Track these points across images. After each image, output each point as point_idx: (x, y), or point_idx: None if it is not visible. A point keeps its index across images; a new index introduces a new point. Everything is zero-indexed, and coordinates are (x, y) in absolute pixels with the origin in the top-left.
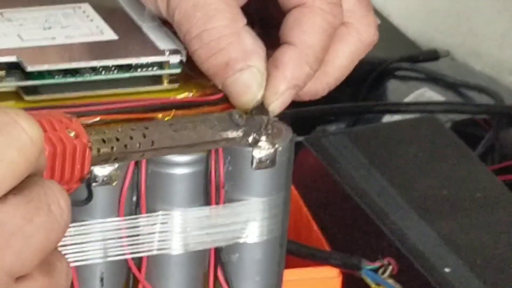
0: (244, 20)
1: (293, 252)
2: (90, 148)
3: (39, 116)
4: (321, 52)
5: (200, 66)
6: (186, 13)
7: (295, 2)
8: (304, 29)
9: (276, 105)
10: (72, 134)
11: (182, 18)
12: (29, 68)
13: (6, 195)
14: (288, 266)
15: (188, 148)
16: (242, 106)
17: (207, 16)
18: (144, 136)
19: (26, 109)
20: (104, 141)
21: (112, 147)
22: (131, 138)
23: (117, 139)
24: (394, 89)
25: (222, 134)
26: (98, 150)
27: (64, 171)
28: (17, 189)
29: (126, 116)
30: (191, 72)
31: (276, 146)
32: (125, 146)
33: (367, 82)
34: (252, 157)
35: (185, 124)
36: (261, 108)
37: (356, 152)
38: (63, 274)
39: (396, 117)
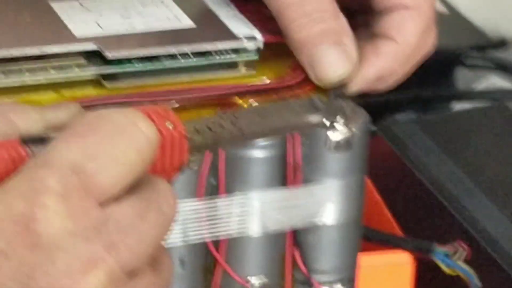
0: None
1: (365, 236)
2: (187, 138)
3: (138, 110)
4: (415, 53)
5: (294, 35)
6: None
7: (399, 4)
8: (408, 30)
9: (357, 88)
10: (169, 125)
11: None
12: (109, 56)
13: (121, 193)
14: (361, 251)
15: (273, 133)
16: (325, 80)
17: None
18: (234, 124)
19: (106, 97)
20: (197, 130)
21: (205, 136)
22: (222, 126)
23: (209, 128)
24: (462, 78)
25: (304, 119)
26: (192, 139)
27: (165, 161)
28: (131, 188)
29: (205, 101)
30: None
31: (353, 129)
32: (217, 135)
33: (435, 70)
34: (329, 140)
35: (270, 110)
36: (338, 91)
37: (427, 139)
38: (168, 268)
39: (466, 106)
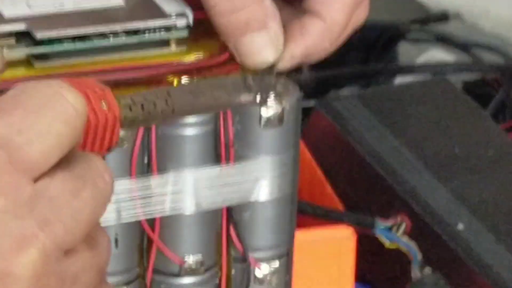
0: None
1: (308, 212)
2: (120, 120)
3: (74, 85)
4: (344, 29)
5: (218, 20)
6: None
7: None
8: (336, 7)
9: (285, 66)
10: (104, 106)
11: None
12: (39, 36)
13: (54, 169)
14: (303, 227)
15: (205, 110)
16: (253, 67)
17: None
18: (167, 103)
19: (35, 78)
20: (130, 108)
21: (137, 114)
22: (155, 105)
23: (142, 107)
24: (405, 52)
25: (237, 98)
26: (125, 117)
27: (95, 142)
28: (64, 163)
29: (136, 81)
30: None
31: (284, 105)
32: (149, 113)
33: (377, 45)
34: (260, 116)
35: (203, 90)
36: (268, 67)
37: (368, 114)
38: (105, 246)
39: (408, 79)
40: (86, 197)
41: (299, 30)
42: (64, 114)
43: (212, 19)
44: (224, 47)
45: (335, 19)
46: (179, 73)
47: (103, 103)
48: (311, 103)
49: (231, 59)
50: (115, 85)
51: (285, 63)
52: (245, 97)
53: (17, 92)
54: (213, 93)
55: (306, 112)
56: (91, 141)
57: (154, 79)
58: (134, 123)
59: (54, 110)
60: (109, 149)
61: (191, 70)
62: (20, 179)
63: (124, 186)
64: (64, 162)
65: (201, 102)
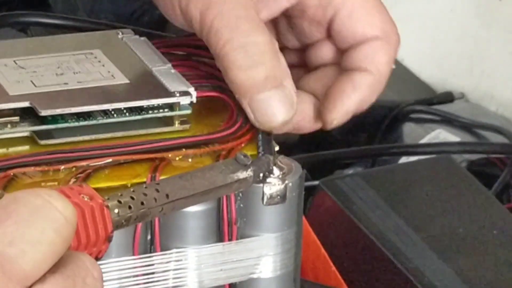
0: (277, 42)
1: None
2: (107, 207)
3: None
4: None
5: (236, 76)
6: (229, 22)
7: (370, 36)
8: (382, 61)
9: (340, 122)
10: (86, 198)
11: (223, 28)
12: (43, 113)
13: (44, 274)
14: None
15: (203, 196)
16: (267, 125)
17: (252, 29)
18: (158, 191)
19: (39, 154)
20: (120, 202)
21: (130, 207)
22: (145, 194)
23: (132, 198)
24: (410, 132)
25: (233, 176)
26: (117, 212)
27: (89, 233)
28: (54, 266)
29: (137, 157)
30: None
31: (286, 182)
32: (142, 203)
33: (383, 125)
34: (263, 193)
35: (194, 173)
36: (268, 146)
37: (372, 193)
38: None
39: (412, 159)
40: None
41: (350, 86)
42: (55, 222)
43: (229, 76)
44: (225, 124)
45: (381, 71)
46: (179, 148)
47: (84, 196)
48: (315, 182)
49: (232, 134)
50: (118, 164)
51: (340, 119)
52: (242, 174)
53: (7, 202)
54: (206, 175)
55: (310, 192)
56: (84, 233)
57: (154, 156)
58: (131, 218)
59: (44, 220)
60: (108, 239)
61: (192, 146)
62: None
63: (127, 264)
64: (54, 264)
65: (195, 185)
